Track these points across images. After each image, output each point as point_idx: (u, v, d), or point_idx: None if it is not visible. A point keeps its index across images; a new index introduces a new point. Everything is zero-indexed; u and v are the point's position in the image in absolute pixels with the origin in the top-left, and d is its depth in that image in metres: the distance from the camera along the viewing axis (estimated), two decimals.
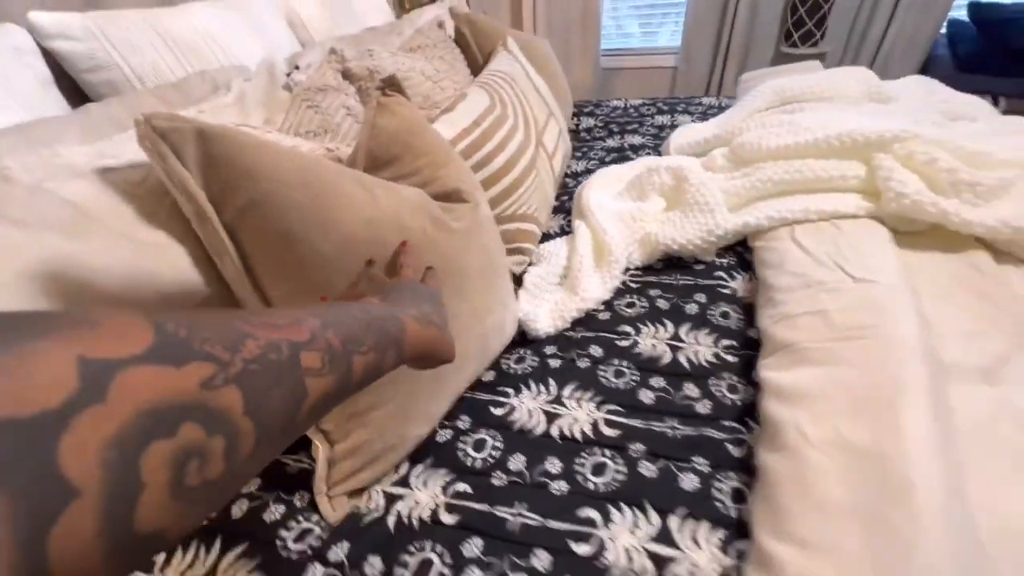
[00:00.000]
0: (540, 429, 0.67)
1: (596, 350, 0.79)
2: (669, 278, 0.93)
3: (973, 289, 0.70)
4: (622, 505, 0.57)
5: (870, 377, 0.55)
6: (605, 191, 1.09)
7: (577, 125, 1.66)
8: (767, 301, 0.76)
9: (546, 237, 1.06)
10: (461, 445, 0.66)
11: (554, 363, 0.78)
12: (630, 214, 0.98)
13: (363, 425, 0.59)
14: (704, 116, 1.58)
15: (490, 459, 0.64)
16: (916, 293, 0.70)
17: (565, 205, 1.17)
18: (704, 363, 0.74)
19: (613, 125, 1.62)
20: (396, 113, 0.68)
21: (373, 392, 0.59)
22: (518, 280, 0.94)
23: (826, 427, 0.52)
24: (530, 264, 0.97)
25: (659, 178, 1.03)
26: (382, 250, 0.54)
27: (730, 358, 0.74)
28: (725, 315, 0.82)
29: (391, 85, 0.70)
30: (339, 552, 0.55)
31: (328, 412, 0.28)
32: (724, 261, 0.94)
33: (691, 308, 0.85)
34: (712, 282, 0.90)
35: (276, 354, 0.23)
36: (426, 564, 0.53)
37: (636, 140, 1.48)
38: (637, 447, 0.63)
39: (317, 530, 0.58)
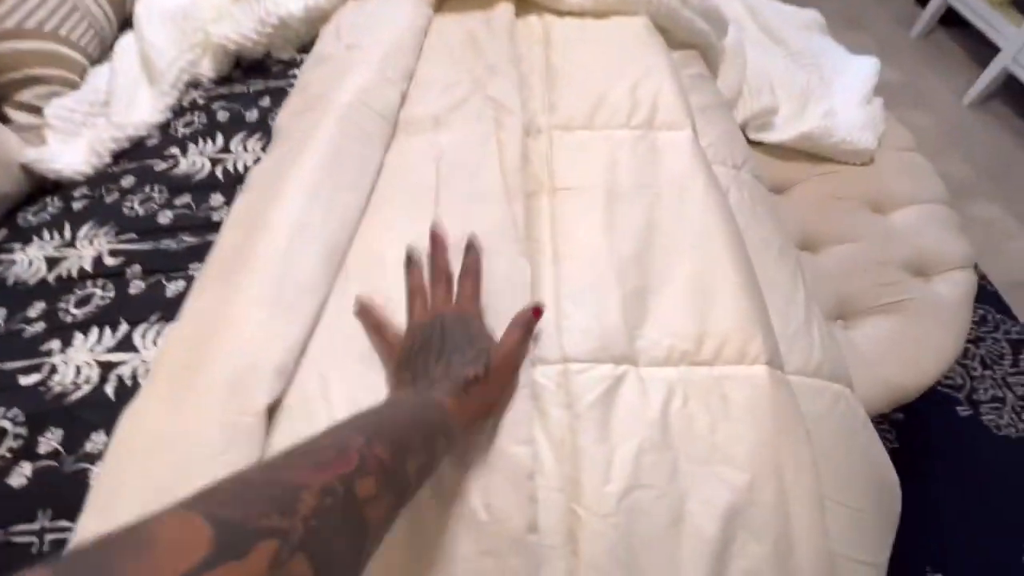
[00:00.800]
0: (37, 277, 0.62)
1: (129, 180, 0.71)
2: (242, 86, 0.83)
3: (476, 44, 0.71)
4: (94, 328, 0.56)
5: (299, 141, 0.55)
6: None
7: None
8: None
9: None
10: None
11: (78, 204, 0.69)
12: (182, 13, 0.82)
13: None
14: None
15: None
16: (420, 53, 0.69)
17: None
18: (241, 169, 0.70)
19: None
20: None
21: None
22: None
23: (248, 198, 0.53)
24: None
25: None
26: None
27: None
28: None
29: None
30: None
31: (390, 528, 0.28)
32: (304, 57, 0.86)
33: (252, 115, 0.78)
34: (283, 83, 0.82)
35: (332, 498, 0.23)
36: None
37: None
38: (135, 269, 0.61)
39: None
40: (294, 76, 0.83)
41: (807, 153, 1.02)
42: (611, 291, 0.48)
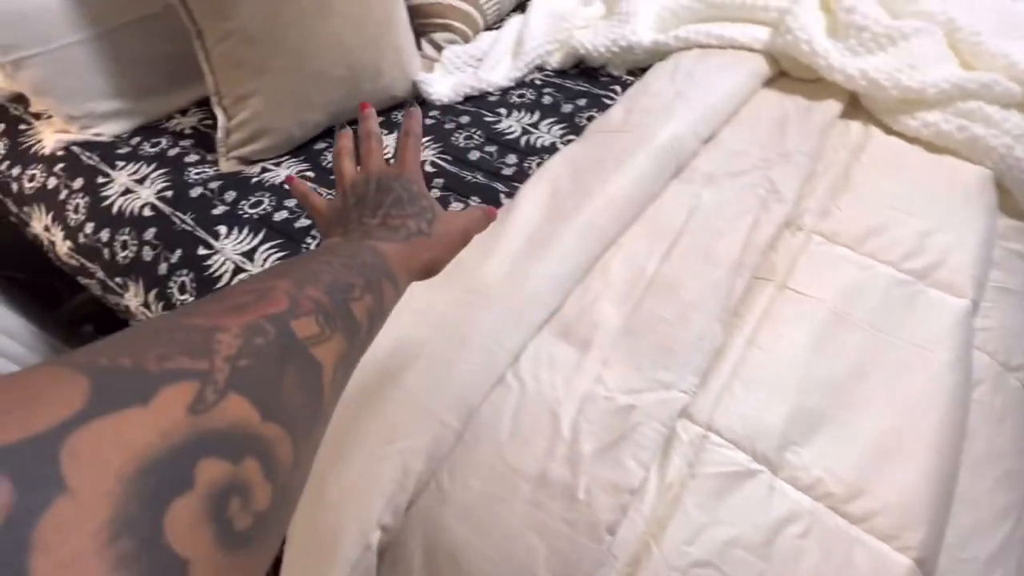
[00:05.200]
0: (384, 157, 0.86)
1: (465, 119, 0.93)
2: (572, 83, 1.00)
3: (783, 126, 0.73)
4: None
5: (615, 162, 0.67)
6: None
7: None
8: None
9: None
10: (326, 154, 0.88)
11: (428, 121, 0.94)
12: (562, 14, 1.01)
13: (245, 108, 0.82)
14: None
15: None
16: (728, 116, 0.75)
17: None
18: (538, 145, 0.86)
19: None
20: None
21: (252, 82, 0.80)
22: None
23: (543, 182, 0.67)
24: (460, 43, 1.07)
25: None
26: None
27: (562, 147, 0.86)
28: (591, 119, 0.91)
29: None
30: (214, 184, 0.82)
31: (349, 375, 0.24)
32: (631, 79, 0.98)
33: (567, 108, 0.94)
34: (603, 92, 0.96)
35: (262, 337, 0.19)
36: (258, 203, 0.79)
37: None
38: (438, 181, 0.81)
39: (211, 173, 0.85)
40: (614, 91, 0.96)
41: None
42: (786, 397, 0.49)
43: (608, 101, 0.94)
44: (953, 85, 0.70)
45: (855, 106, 0.79)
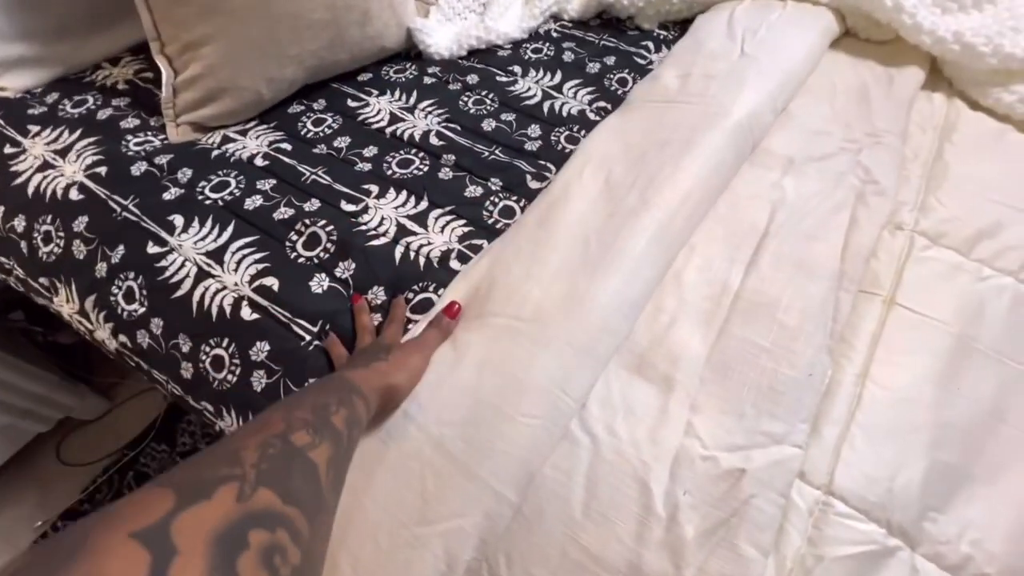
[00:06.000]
0: (379, 125, 0.71)
1: (473, 79, 0.77)
2: (595, 36, 0.85)
3: (865, 99, 0.62)
4: (404, 191, 0.63)
5: (675, 135, 0.54)
6: None
7: None
8: (658, 65, 0.71)
9: None
10: (304, 119, 0.71)
11: (428, 80, 0.77)
12: None
13: (196, 59, 0.64)
14: None
15: (321, 135, 0.69)
16: (802, 85, 0.63)
17: None
18: (564, 114, 0.72)
19: None
20: None
21: (203, 25, 0.62)
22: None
23: (590, 165, 0.54)
24: None
25: None
26: None
27: (594, 117, 0.72)
28: (622, 81, 0.77)
29: None
30: (162, 159, 0.65)
31: (342, 476, 0.31)
32: (664, 34, 0.84)
33: (593, 67, 0.79)
34: (632, 49, 0.82)
35: (272, 448, 0.26)
36: (223, 184, 0.62)
37: None
38: (449, 158, 0.67)
39: (157, 143, 0.67)
40: (645, 47, 0.82)
41: None
42: (919, 451, 0.40)
43: (640, 60, 0.80)
44: None
45: (933, 74, 0.68)
